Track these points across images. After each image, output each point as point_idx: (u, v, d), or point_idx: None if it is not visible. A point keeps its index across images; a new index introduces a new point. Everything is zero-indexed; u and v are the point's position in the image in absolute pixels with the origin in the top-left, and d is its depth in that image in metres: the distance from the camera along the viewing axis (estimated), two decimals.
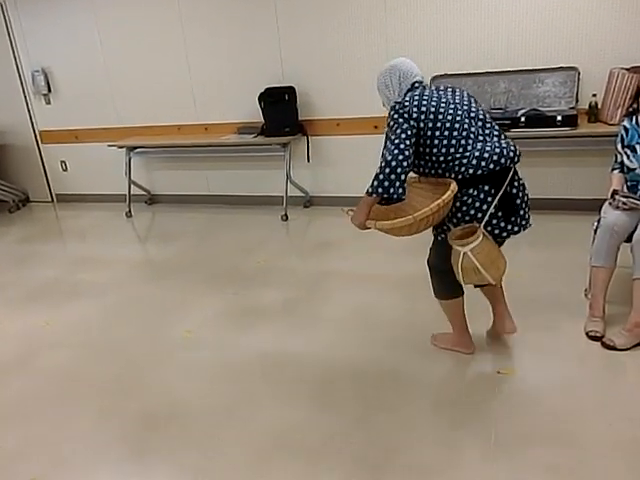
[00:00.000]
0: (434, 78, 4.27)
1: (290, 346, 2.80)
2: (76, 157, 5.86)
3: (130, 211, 5.36)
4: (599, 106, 3.89)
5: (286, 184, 4.81)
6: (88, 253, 4.51)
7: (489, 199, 2.18)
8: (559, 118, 3.75)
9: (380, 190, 2.11)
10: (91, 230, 5.17)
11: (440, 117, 2.18)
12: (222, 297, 3.42)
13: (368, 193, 2.16)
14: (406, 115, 2.18)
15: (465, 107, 2.25)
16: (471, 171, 2.15)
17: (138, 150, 5.27)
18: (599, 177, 4.06)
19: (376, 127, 4.54)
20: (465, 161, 2.16)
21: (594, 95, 3.88)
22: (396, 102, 2.24)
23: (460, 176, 2.17)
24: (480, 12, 4.08)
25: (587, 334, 2.57)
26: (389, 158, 2.11)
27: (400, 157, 2.10)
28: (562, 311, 2.83)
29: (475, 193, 2.18)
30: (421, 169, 2.30)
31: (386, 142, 2.20)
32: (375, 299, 3.22)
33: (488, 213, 2.18)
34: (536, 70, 4.03)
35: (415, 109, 2.18)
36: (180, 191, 5.58)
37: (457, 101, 2.26)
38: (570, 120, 3.74)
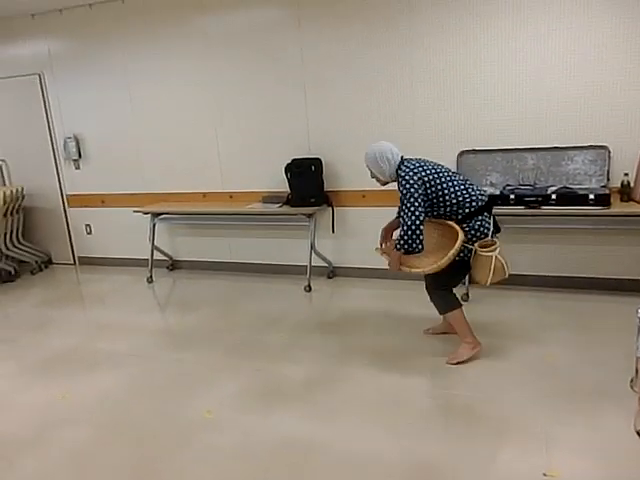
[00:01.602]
0: (462, 153, 4.28)
1: (316, 433, 2.64)
2: (101, 221, 5.92)
3: (152, 276, 5.33)
4: (631, 185, 3.83)
5: (310, 254, 4.76)
6: (108, 320, 4.44)
7: (489, 219, 3.10)
8: (591, 197, 3.69)
9: (406, 247, 2.97)
10: (112, 295, 5.13)
11: (440, 175, 3.03)
12: (244, 373, 3.30)
13: (397, 249, 3.00)
14: (420, 181, 2.97)
15: (444, 166, 3.13)
16: (479, 204, 3.05)
17: (163, 216, 5.30)
18: (632, 257, 3.98)
19: None
20: (474, 198, 3.04)
21: (626, 174, 3.83)
22: (405, 173, 2.99)
23: (472, 209, 3.03)
24: (510, 88, 4.12)
25: (638, 433, 2.39)
26: (409, 223, 2.94)
27: (417, 222, 2.93)
28: (606, 404, 2.66)
29: (482, 218, 3.07)
30: (439, 212, 3.08)
31: (404, 206, 2.97)
32: (406, 381, 3.07)
33: (491, 228, 3.10)
34: (565, 148, 4.02)
35: (423, 173, 3.00)
36: (202, 257, 5.56)
37: (438, 163, 3.14)
38: (603, 199, 3.67)
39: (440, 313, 3.31)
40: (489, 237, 3.07)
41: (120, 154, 5.60)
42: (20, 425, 2.90)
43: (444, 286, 3.20)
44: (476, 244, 3.04)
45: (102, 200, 5.81)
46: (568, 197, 3.78)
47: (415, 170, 2.98)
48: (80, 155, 5.75)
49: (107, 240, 5.97)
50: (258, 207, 4.89)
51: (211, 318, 4.28)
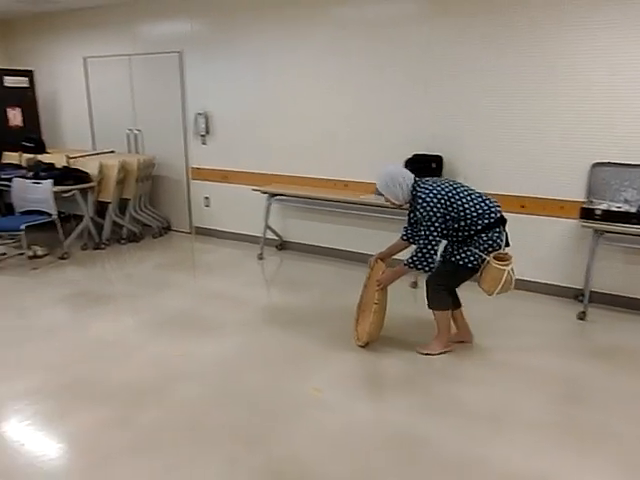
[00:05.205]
0: (595, 165, 4.07)
1: (423, 428, 2.67)
2: (220, 195, 6.25)
3: (262, 253, 5.57)
4: None
5: None
6: (218, 289, 4.70)
7: (503, 233, 3.20)
8: None
9: (418, 265, 3.16)
10: (223, 266, 5.41)
11: (458, 190, 3.16)
12: (349, 357, 3.38)
13: (408, 266, 3.20)
14: (440, 202, 3.09)
15: (458, 184, 3.23)
16: (497, 215, 3.16)
17: (278, 197, 5.50)
18: None
19: (523, 207, 4.40)
20: (493, 210, 3.16)
21: None
22: (425, 195, 3.11)
23: (491, 220, 3.14)
24: None
25: None
26: (422, 244, 3.12)
27: (429, 245, 3.11)
28: None
29: (499, 230, 3.18)
30: (460, 224, 3.14)
31: (421, 226, 3.12)
32: (523, 392, 3.02)
33: (504, 241, 3.21)
34: None
35: (443, 192, 3.12)
36: (311, 241, 5.72)
37: (454, 180, 3.28)
38: None
39: (429, 307, 3.41)
40: (501, 249, 3.17)
41: (245, 134, 5.86)
42: (143, 377, 3.18)
43: (444, 285, 3.35)
44: (491, 255, 3.14)
45: (223, 175, 6.12)
46: None
47: (435, 191, 3.11)
48: (208, 131, 6.09)
49: (223, 214, 6.30)
50: (371, 198, 4.94)
51: (316, 301, 4.41)
